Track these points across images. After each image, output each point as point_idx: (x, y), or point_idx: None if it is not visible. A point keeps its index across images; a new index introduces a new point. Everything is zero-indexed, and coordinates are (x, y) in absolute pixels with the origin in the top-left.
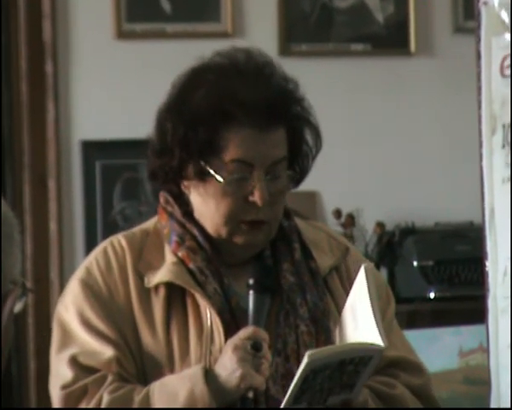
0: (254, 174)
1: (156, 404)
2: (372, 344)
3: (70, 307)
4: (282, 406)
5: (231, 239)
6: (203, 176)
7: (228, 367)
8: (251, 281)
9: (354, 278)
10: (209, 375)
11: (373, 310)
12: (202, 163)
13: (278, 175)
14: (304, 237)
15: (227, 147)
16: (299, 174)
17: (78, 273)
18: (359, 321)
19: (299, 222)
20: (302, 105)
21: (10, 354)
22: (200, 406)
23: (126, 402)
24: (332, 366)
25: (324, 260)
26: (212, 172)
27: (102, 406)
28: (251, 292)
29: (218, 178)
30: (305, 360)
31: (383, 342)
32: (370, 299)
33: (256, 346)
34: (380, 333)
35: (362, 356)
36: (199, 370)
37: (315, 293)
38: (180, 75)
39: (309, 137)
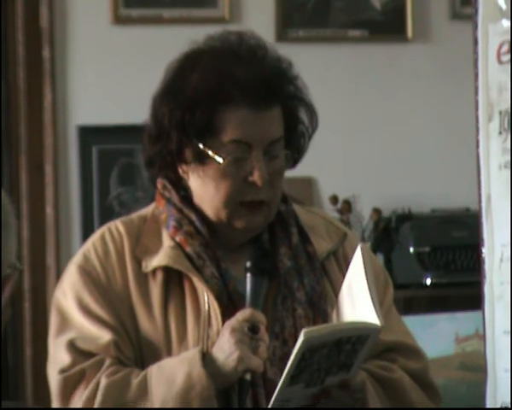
0: (253, 154)
1: (154, 387)
2: (369, 323)
3: (68, 292)
4: (279, 384)
5: (231, 222)
6: (202, 158)
7: (225, 350)
8: (248, 264)
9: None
10: (206, 358)
11: (369, 289)
12: (200, 145)
13: (276, 155)
14: (301, 222)
15: (225, 128)
16: (296, 154)
17: (76, 259)
18: (356, 300)
19: (296, 207)
20: (296, 84)
21: (6, 338)
22: (197, 388)
23: (124, 386)
24: (329, 344)
25: (322, 245)
26: (210, 153)
27: (100, 390)
28: (248, 275)
29: (218, 159)
30: (301, 338)
31: (379, 321)
32: (367, 278)
33: (253, 328)
34: (376, 312)
35: (359, 335)
36: (196, 353)
37: (312, 277)
38: (173, 60)
39: (304, 116)
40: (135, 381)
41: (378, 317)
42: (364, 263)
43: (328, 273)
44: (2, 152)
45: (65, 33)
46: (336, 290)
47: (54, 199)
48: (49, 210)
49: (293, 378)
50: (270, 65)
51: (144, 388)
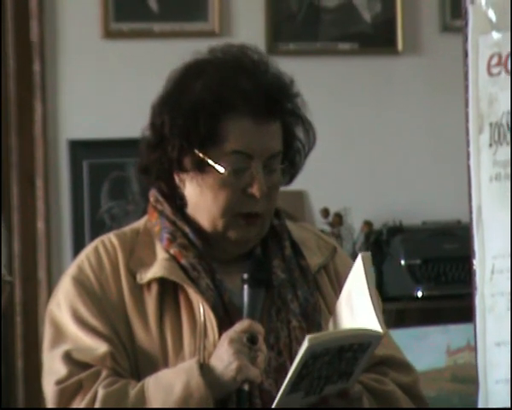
0: (253, 166)
1: (151, 398)
2: (371, 330)
3: (62, 304)
4: (279, 392)
5: (226, 233)
6: (202, 167)
7: (224, 360)
8: (245, 275)
9: (342, 278)
10: (204, 368)
11: (371, 296)
12: (201, 154)
13: (274, 169)
14: (293, 237)
15: (227, 138)
16: (292, 170)
17: (70, 271)
18: (355, 309)
19: (288, 223)
20: (296, 102)
21: None
22: (195, 397)
23: (121, 396)
24: (331, 351)
25: (313, 259)
26: (211, 162)
27: (97, 400)
28: (245, 286)
29: (219, 168)
30: (305, 345)
31: (382, 328)
32: (368, 286)
33: (252, 339)
34: (378, 319)
35: (361, 343)
36: (194, 363)
37: (306, 289)
38: (175, 70)
39: (302, 134)
40: (132, 391)
41: (380, 324)
42: (366, 271)
43: (320, 287)
44: None
45: (55, 47)
46: (328, 304)
47: (45, 213)
48: (40, 224)
49: (293, 386)
50: (272, 78)
51: (142, 398)
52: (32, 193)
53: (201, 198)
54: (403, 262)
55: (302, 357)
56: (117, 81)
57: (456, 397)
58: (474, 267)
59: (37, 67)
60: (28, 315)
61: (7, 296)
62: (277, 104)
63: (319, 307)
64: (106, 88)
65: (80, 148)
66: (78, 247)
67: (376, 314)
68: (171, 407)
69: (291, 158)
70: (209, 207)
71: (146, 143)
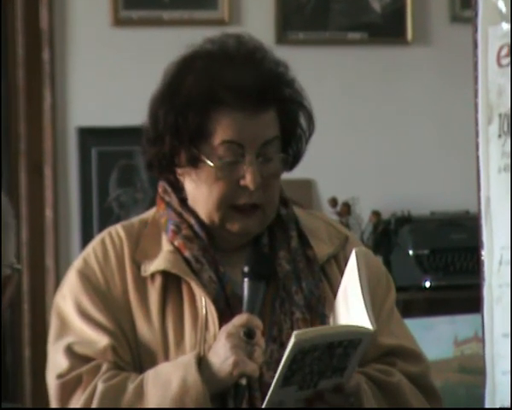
0: (245, 157)
1: (149, 392)
2: (361, 327)
3: (67, 297)
4: (272, 385)
5: (224, 226)
6: (195, 162)
7: (221, 354)
8: (246, 269)
9: None
10: (202, 363)
11: (362, 293)
12: (193, 149)
13: (270, 157)
14: (302, 226)
15: (216, 130)
16: (293, 157)
17: (76, 264)
18: (350, 305)
19: (297, 211)
20: (293, 87)
21: (5, 340)
22: (192, 393)
23: (120, 391)
24: (320, 347)
25: (322, 249)
26: (203, 157)
27: (96, 395)
28: (245, 280)
29: (209, 162)
30: (292, 340)
31: (372, 325)
32: (360, 283)
33: (249, 333)
34: (368, 316)
35: (351, 339)
36: (192, 358)
37: (311, 280)
38: (171, 63)
39: (302, 119)
40: (131, 385)
41: (371, 321)
42: (358, 267)
43: (329, 277)
44: (1, 153)
45: (64, 35)
46: (336, 294)
47: (53, 201)
48: (48, 212)
49: (285, 380)
50: (265, 69)
51: (140, 392)
52: (41, 181)
53: (198, 192)
54: (411, 252)
55: (290, 352)
56: (126, 69)
57: (462, 388)
58: (482, 258)
59: (46, 55)
60: (36, 303)
61: (16, 284)
62: (270, 94)
63: (324, 299)
64: (115, 76)
65: (89, 136)
66: (86, 235)
67: (367, 311)
68: (168, 401)
69: (292, 145)
70: (205, 201)
71: (146, 137)
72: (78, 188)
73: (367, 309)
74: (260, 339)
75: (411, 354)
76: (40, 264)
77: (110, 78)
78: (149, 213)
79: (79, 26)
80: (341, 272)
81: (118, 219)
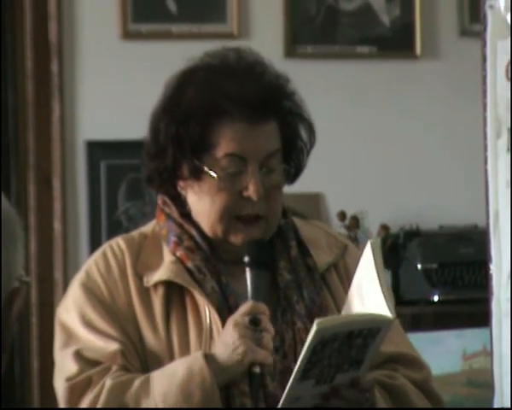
0: (248, 169)
1: (155, 384)
2: (380, 315)
3: (71, 309)
4: (290, 380)
5: (227, 238)
6: (197, 174)
7: (229, 344)
8: (246, 258)
9: (352, 274)
10: (209, 356)
11: (380, 282)
12: (196, 161)
13: (272, 169)
14: (301, 235)
15: (219, 142)
16: (295, 170)
17: (78, 277)
18: (366, 296)
19: (296, 220)
20: (293, 100)
21: (13, 352)
22: (197, 379)
23: (126, 386)
24: (340, 337)
25: (322, 258)
26: (205, 168)
27: (104, 390)
28: (247, 269)
29: (212, 174)
30: (313, 328)
31: (391, 313)
32: (377, 272)
33: (254, 320)
34: (387, 305)
35: (370, 328)
36: (199, 352)
37: (312, 289)
38: (171, 77)
39: (302, 132)
40: (137, 381)
41: (390, 310)
42: (375, 257)
43: (329, 285)
44: (10, 165)
45: (73, 48)
46: (337, 302)
47: (62, 213)
48: (56, 224)
49: (304, 373)
50: (267, 80)
51: (146, 385)
52: (49, 194)
53: (200, 205)
54: (419, 266)
55: (311, 342)
56: (135, 82)
57: (471, 402)
58: (491, 272)
59: (55, 67)
60: (44, 316)
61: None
62: (271, 105)
63: (325, 307)
64: (123, 89)
65: (97, 149)
66: (94, 248)
67: (386, 300)
68: (174, 389)
69: (293, 157)
70: (208, 213)
71: (146, 151)
72: (87, 201)
73: (385, 297)
74: (268, 324)
75: (413, 361)
76: (48, 276)
77: (119, 91)
78: (149, 227)
79: (88, 39)
80: (341, 281)
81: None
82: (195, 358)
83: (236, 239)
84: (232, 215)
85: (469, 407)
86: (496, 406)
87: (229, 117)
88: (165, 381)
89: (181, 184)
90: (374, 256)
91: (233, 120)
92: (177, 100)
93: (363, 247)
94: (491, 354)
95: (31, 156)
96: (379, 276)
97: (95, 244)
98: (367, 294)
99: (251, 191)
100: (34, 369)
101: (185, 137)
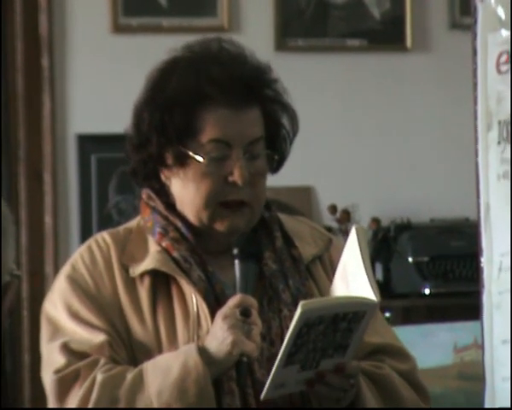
0: (233, 154)
1: (149, 380)
2: (366, 298)
3: (57, 302)
4: (275, 364)
5: (212, 225)
6: (182, 160)
7: (219, 336)
8: (235, 250)
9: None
10: (201, 348)
11: (365, 267)
12: (181, 147)
13: (257, 155)
14: (286, 228)
15: (203, 128)
16: (278, 157)
17: (64, 270)
18: (350, 281)
19: (280, 215)
20: (275, 88)
21: (4, 346)
22: (193, 376)
23: (119, 380)
24: (326, 320)
25: (307, 249)
26: (190, 153)
27: (96, 385)
28: (236, 261)
29: (198, 158)
30: (298, 310)
31: (376, 297)
32: (362, 256)
33: (245, 312)
34: (372, 288)
35: (356, 312)
36: (192, 344)
37: (297, 278)
38: (153, 69)
39: (285, 120)
40: (130, 375)
41: (374, 293)
42: (359, 242)
43: (314, 277)
44: (1, 159)
45: (64, 41)
46: (322, 293)
47: (52, 207)
48: (47, 218)
49: (289, 358)
50: (249, 67)
51: (140, 380)
52: (40, 187)
53: (185, 192)
54: (410, 259)
55: (296, 324)
56: (125, 76)
57: (462, 395)
58: (482, 265)
59: (45, 61)
60: (35, 310)
61: (16, 291)
62: (255, 92)
63: (311, 297)
64: (114, 83)
65: (88, 142)
66: (85, 242)
67: (371, 284)
68: (169, 385)
69: (276, 145)
70: (193, 200)
71: (130, 144)
72: (78, 194)
73: (370, 281)
74: (257, 318)
75: (399, 352)
76: (39, 270)
77: (109, 84)
78: (133, 222)
79: (79, 33)
80: (327, 273)
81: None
82: (189, 353)
83: (221, 226)
84: (217, 201)
85: (461, 400)
86: (486, 397)
87: (213, 102)
88: (160, 377)
89: (165, 173)
90: (359, 241)
91: (217, 105)
92: (161, 88)
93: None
94: (482, 346)
95: (21, 150)
96: (364, 260)
97: (86, 238)
98: (352, 278)
99: (236, 176)
100: (25, 363)
101: (170, 124)
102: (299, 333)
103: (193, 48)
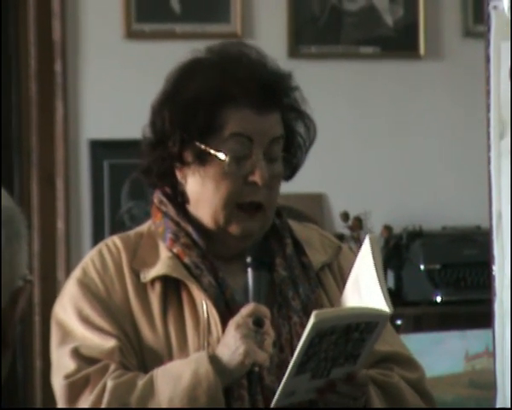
0: (253, 153)
1: (160, 386)
2: (378, 309)
3: (68, 306)
4: (286, 373)
5: (227, 227)
6: (203, 158)
7: (231, 345)
8: (248, 259)
9: (347, 274)
10: (213, 357)
11: (378, 277)
12: (202, 145)
13: (275, 157)
14: (296, 235)
15: (226, 124)
16: (293, 165)
17: (74, 274)
18: (363, 291)
19: (291, 222)
20: (295, 96)
21: (16, 352)
22: (204, 385)
23: (130, 387)
24: (338, 330)
25: (316, 257)
26: (212, 151)
27: (106, 392)
28: (249, 270)
29: (219, 155)
30: (311, 320)
31: (389, 308)
32: (375, 266)
33: (258, 322)
34: (385, 299)
35: (368, 322)
36: (203, 353)
37: (307, 286)
38: (173, 70)
39: (302, 128)
40: (141, 382)
41: (387, 304)
42: (373, 252)
43: (324, 285)
44: (13, 164)
45: (77, 47)
46: (331, 301)
47: (65, 213)
48: (59, 224)
49: (300, 367)
50: (271, 72)
51: (150, 388)
52: (52, 193)
53: (203, 191)
54: (422, 267)
55: (309, 334)
56: (138, 82)
57: (473, 403)
58: (494, 273)
59: (58, 67)
60: (47, 315)
61: (28, 296)
62: (275, 97)
63: (320, 304)
64: (127, 88)
65: (101, 148)
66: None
67: (383, 294)
68: (180, 394)
69: (292, 152)
70: (211, 200)
71: (147, 142)
72: (90, 200)
73: (383, 292)
74: (269, 328)
75: (407, 361)
76: (51, 276)
77: (122, 90)
78: (144, 226)
79: (92, 39)
80: (336, 281)
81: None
82: (201, 361)
83: (236, 229)
84: (235, 202)
85: (472, 407)
86: (498, 405)
87: (236, 102)
88: (171, 384)
89: (182, 171)
90: (372, 251)
91: (240, 105)
92: (183, 87)
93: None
94: (493, 354)
95: (34, 155)
96: (377, 270)
97: (97, 243)
98: (364, 287)
99: (257, 176)
100: (37, 368)
101: (192, 122)
102: (310, 343)
103: (215, 50)
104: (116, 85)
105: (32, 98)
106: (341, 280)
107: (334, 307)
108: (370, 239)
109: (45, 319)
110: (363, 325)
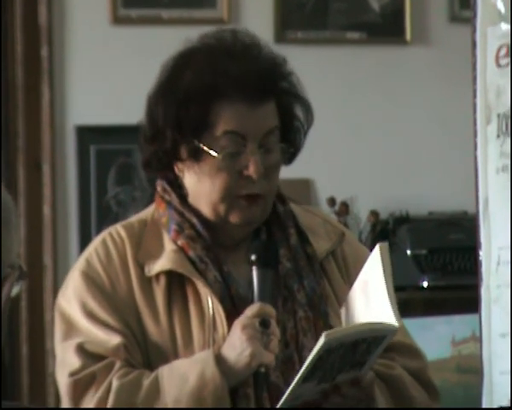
0: (248, 147)
1: (166, 387)
2: (386, 324)
3: (72, 299)
4: (292, 384)
5: (228, 217)
6: (197, 155)
7: (237, 347)
8: (253, 257)
9: (350, 262)
10: (219, 358)
11: (387, 289)
12: (195, 142)
13: (271, 148)
14: (299, 222)
15: (218, 121)
16: (292, 149)
17: (79, 265)
18: (371, 300)
19: (294, 207)
20: (290, 80)
21: (2, 338)
22: (210, 387)
23: (136, 387)
24: (346, 345)
25: (321, 245)
26: (205, 148)
27: (112, 391)
28: (254, 268)
29: (212, 153)
30: (321, 341)
31: (397, 321)
32: (385, 278)
33: (264, 323)
34: (394, 312)
35: (375, 336)
36: (210, 353)
37: (312, 278)
38: (168, 59)
39: (299, 112)
40: (146, 381)
41: (395, 317)
42: (383, 262)
43: (327, 273)
44: (0, 150)
45: (63, 32)
46: (335, 290)
47: (51, 198)
48: (46, 209)
49: (306, 377)
50: (264, 61)
51: (156, 388)
52: (39, 178)
53: (200, 186)
54: (409, 252)
55: (317, 352)
56: (125, 67)
57: (460, 388)
58: (480, 258)
59: (44, 52)
60: (33, 301)
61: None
62: (270, 85)
63: (326, 296)
64: (114, 74)
65: (87, 133)
66: (84, 233)
67: (392, 307)
68: (186, 396)
69: (291, 137)
70: (208, 194)
71: (143, 136)
72: (77, 186)
73: (391, 305)
74: (275, 328)
75: (410, 350)
76: (38, 262)
77: (109, 76)
78: (147, 213)
79: (78, 24)
80: (339, 269)
81: (116, 217)
82: (207, 362)
83: (237, 218)
84: (233, 195)
85: (459, 393)
86: (485, 390)
87: (228, 98)
88: (177, 385)
89: (179, 166)
90: (382, 260)
91: (232, 100)
92: (176, 82)
93: (353, 232)
94: (480, 339)
95: (20, 141)
96: (386, 282)
97: (84, 229)
98: (373, 296)
99: (251, 170)
100: (23, 354)
101: (185, 119)
102: (319, 358)
103: (207, 39)
104: (103, 71)
105: (19, 83)
106: (345, 268)
107: (342, 327)
108: (381, 248)
109: (32, 305)
110: (371, 338)
